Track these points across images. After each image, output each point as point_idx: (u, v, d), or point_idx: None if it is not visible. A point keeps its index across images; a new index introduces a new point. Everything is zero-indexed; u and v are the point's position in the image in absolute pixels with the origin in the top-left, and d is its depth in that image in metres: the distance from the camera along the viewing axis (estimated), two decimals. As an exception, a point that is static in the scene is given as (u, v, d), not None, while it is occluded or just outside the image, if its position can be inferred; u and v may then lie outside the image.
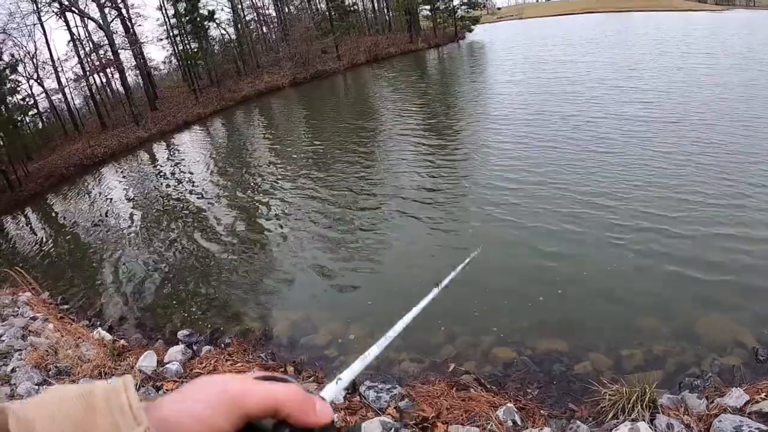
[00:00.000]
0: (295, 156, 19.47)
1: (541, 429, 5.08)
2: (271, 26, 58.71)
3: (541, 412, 5.67)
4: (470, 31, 66.30)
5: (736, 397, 5.14)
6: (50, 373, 6.42)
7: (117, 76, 38.67)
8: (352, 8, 61.53)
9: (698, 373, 6.18)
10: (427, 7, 63.08)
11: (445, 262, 9.66)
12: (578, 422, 5.17)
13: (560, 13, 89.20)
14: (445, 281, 1.46)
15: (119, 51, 36.68)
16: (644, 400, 5.09)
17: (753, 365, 6.23)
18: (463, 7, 64.80)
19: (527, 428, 5.14)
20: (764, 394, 5.10)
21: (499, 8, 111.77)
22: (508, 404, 5.52)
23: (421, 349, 7.44)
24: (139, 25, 43.58)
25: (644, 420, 4.87)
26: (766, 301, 7.38)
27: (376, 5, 71.79)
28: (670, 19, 59.03)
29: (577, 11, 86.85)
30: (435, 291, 1.33)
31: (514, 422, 5.23)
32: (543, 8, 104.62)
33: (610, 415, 5.22)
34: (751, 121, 14.30)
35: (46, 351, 7.08)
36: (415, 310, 1.24)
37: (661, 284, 8.13)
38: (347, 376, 0.82)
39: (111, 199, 19.72)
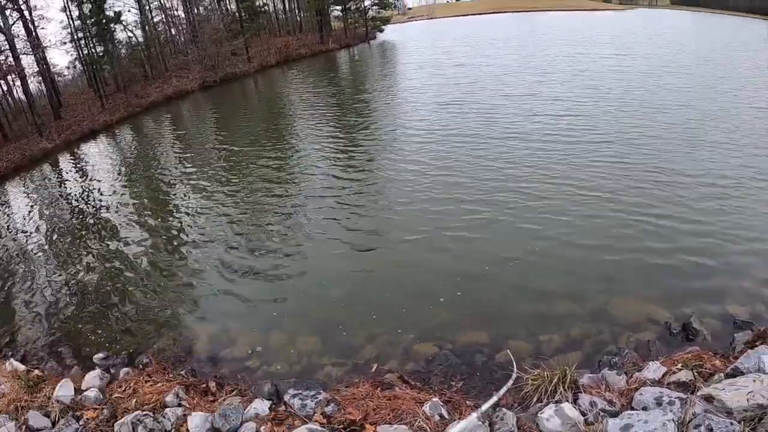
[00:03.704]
0: (205, 167, 19.24)
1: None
2: (180, 28, 57.36)
3: (467, 402, 5.80)
4: (381, 31, 67.12)
5: (653, 369, 5.47)
6: (-37, 413, 6.02)
7: (18, 83, 36.86)
8: (262, 9, 60.85)
9: (615, 350, 6.55)
10: (339, 7, 63.44)
11: (353, 269, 10.01)
12: (504, 409, 5.29)
13: (470, 13, 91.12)
14: (486, 405, 1.68)
15: (21, 56, 34.85)
16: (566, 381, 5.34)
17: (667, 338, 6.69)
18: (374, 7, 65.57)
19: (454, 420, 5.22)
20: (680, 364, 5.41)
21: (410, 8, 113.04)
22: (434, 399, 5.64)
23: (342, 351, 7.57)
24: (42, 28, 41.62)
25: (567, 401, 5.10)
26: (672, 278, 8.01)
27: (286, 5, 71.22)
28: (576, 18, 61.91)
29: (487, 11, 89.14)
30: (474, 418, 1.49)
31: (441, 416, 5.34)
32: (453, 8, 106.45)
33: (534, 399, 5.43)
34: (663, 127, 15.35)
35: (-44, 390, 6.62)
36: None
37: (572, 270, 8.61)
38: None
39: (15, 218, 18.63)
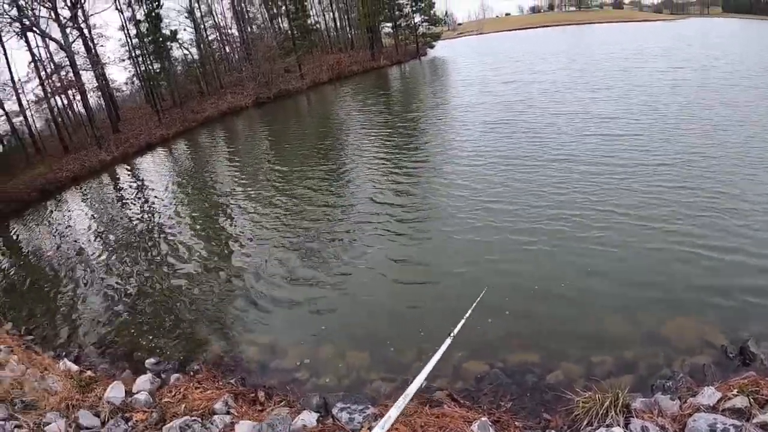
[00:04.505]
0: (259, 180, 19.57)
1: (517, 440, 5.01)
2: (234, 46, 58.78)
3: (516, 423, 5.72)
4: (432, 47, 67.47)
5: (708, 395, 5.24)
6: (16, 407, 6.29)
7: (79, 97, 38.28)
8: (314, 26, 61.97)
9: (669, 374, 6.30)
10: (390, 24, 64.06)
11: (401, 289, 9.85)
12: (553, 431, 5.26)
13: (519, 27, 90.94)
14: (456, 329, 1.57)
15: (81, 72, 36.12)
16: (617, 405, 5.19)
17: (723, 363, 6.40)
18: (424, 24, 65.96)
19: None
20: (736, 390, 5.17)
21: (460, 24, 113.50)
22: (483, 418, 5.55)
23: (391, 367, 7.52)
24: (101, 46, 43.21)
25: (619, 425, 4.97)
26: (730, 301, 7.67)
27: (338, 23, 72.36)
28: (627, 29, 61.00)
29: (536, 25, 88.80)
30: (448, 341, 1.41)
31: (490, 435, 5.21)
32: (502, 23, 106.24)
33: (584, 423, 5.28)
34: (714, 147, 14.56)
35: (11, 384, 6.89)
36: (430, 365, 1.27)
37: (625, 293, 8.33)
38: None
39: (74, 225, 19.48)
